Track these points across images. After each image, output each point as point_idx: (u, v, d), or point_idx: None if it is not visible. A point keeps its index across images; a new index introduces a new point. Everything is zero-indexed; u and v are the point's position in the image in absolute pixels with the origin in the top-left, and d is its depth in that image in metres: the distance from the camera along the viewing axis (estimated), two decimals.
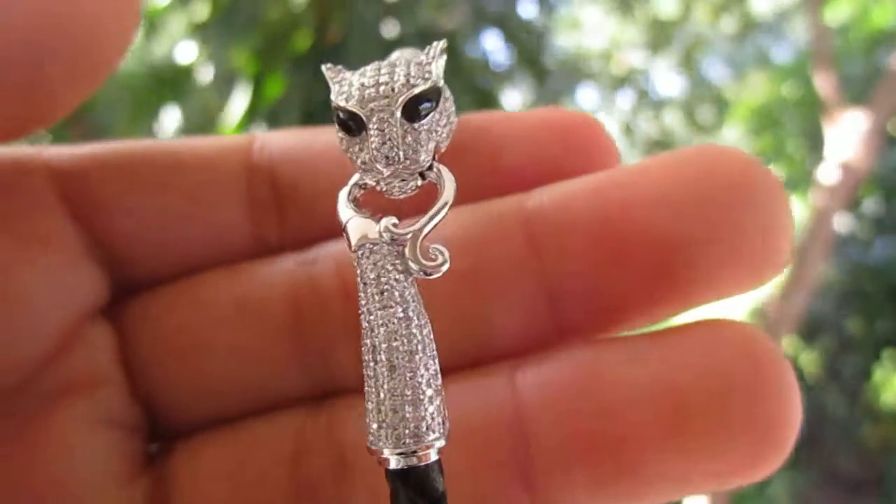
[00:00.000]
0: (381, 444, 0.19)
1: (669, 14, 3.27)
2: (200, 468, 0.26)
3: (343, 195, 0.22)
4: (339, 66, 0.23)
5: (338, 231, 0.23)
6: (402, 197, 0.22)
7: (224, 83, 1.20)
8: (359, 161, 0.21)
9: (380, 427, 0.19)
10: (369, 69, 0.22)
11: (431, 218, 0.20)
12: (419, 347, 0.20)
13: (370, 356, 0.20)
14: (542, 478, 0.21)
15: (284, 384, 0.26)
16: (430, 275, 0.20)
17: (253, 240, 0.27)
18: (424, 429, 0.19)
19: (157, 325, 0.26)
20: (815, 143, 2.60)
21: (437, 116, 0.21)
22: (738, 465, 0.20)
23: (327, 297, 0.25)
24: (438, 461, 0.19)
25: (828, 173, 1.88)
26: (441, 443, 0.20)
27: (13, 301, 0.23)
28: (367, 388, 0.20)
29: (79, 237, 0.25)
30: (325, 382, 0.25)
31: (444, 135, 0.22)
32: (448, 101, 0.22)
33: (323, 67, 0.22)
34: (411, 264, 0.20)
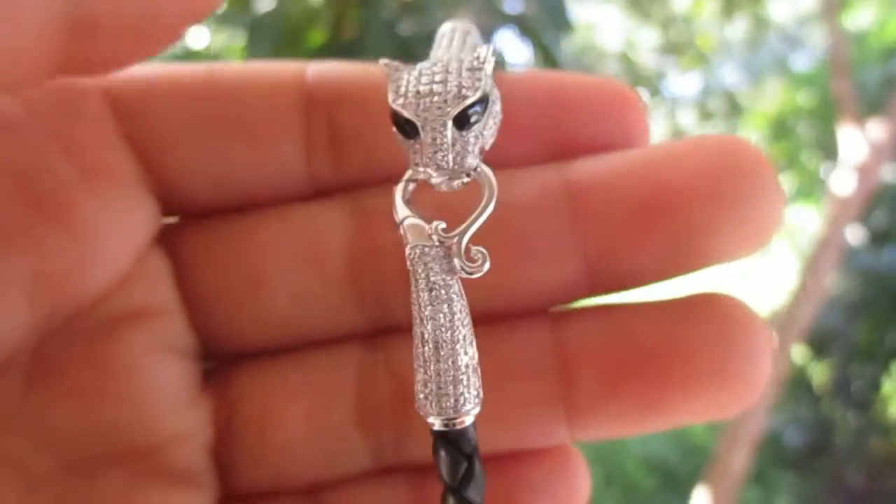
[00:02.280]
0: (426, 410, 0.24)
1: (683, 12, 3.25)
2: (264, 392, 0.27)
3: (399, 192, 0.24)
4: (396, 64, 0.24)
5: (390, 175, 0.25)
6: (449, 191, 0.24)
7: None
8: (412, 161, 0.23)
9: (426, 398, 0.23)
10: (424, 73, 0.24)
11: (474, 222, 0.23)
12: (460, 337, 0.23)
13: (419, 341, 0.23)
14: (581, 411, 0.25)
15: (341, 324, 0.27)
16: (472, 275, 0.23)
17: (308, 178, 0.27)
18: (462, 402, 0.23)
19: (214, 261, 0.27)
20: (829, 153, 2.57)
21: (484, 121, 0.23)
22: (727, 401, 0.24)
23: (383, 248, 0.26)
24: (473, 424, 0.24)
25: (841, 183, 1.86)
26: (476, 410, 0.24)
27: (78, 232, 0.24)
28: (416, 366, 0.24)
29: (136, 167, 0.25)
30: (380, 322, 0.27)
31: (489, 136, 0.24)
32: (495, 104, 0.24)
33: (381, 63, 0.24)
34: (456, 265, 0.23)
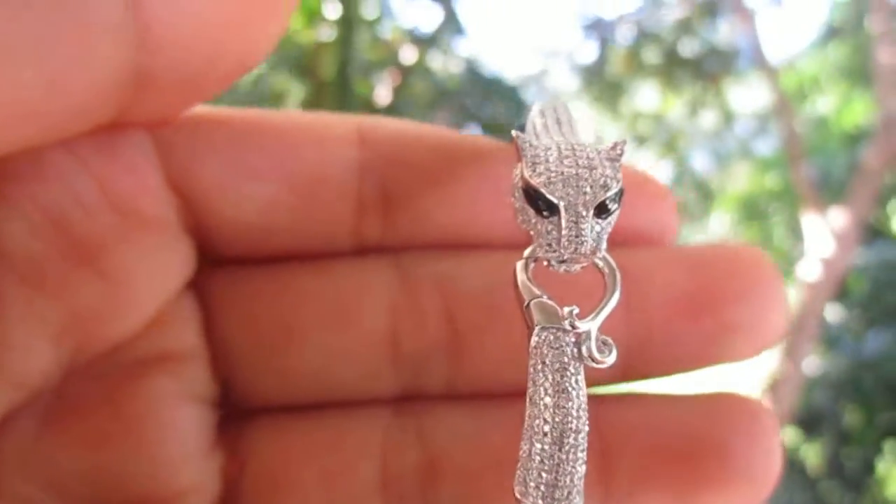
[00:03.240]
0: (530, 499, 0.23)
1: (650, 108, 3.41)
2: (281, 449, 0.26)
3: (521, 268, 0.24)
4: (529, 138, 0.24)
5: (437, 241, 0.26)
6: (565, 274, 0.24)
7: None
8: (543, 241, 0.23)
9: (537, 487, 0.23)
10: (565, 155, 0.24)
11: (605, 307, 0.23)
12: (583, 426, 0.23)
13: (540, 423, 0.23)
14: (616, 496, 0.25)
15: (373, 387, 0.26)
16: (598, 365, 0.23)
17: (354, 237, 0.26)
18: (574, 494, 0.23)
19: (246, 308, 0.26)
20: (798, 235, 2.64)
21: (617, 213, 0.24)
22: (746, 496, 0.25)
23: (426, 313, 0.25)
24: None
25: (809, 269, 1.91)
26: (579, 502, 0.23)
27: (112, 278, 0.23)
28: (529, 446, 0.23)
29: (177, 212, 0.24)
30: (413, 391, 0.26)
31: (613, 224, 0.24)
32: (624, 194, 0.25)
33: (514, 133, 0.24)
34: (585, 355, 0.23)
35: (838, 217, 1.88)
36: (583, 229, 0.23)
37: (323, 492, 0.25)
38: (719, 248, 0.27)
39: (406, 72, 1.82)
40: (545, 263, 0.24)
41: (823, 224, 1.88)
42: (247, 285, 0.26)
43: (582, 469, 0.23)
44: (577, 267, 0.23)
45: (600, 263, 0.24)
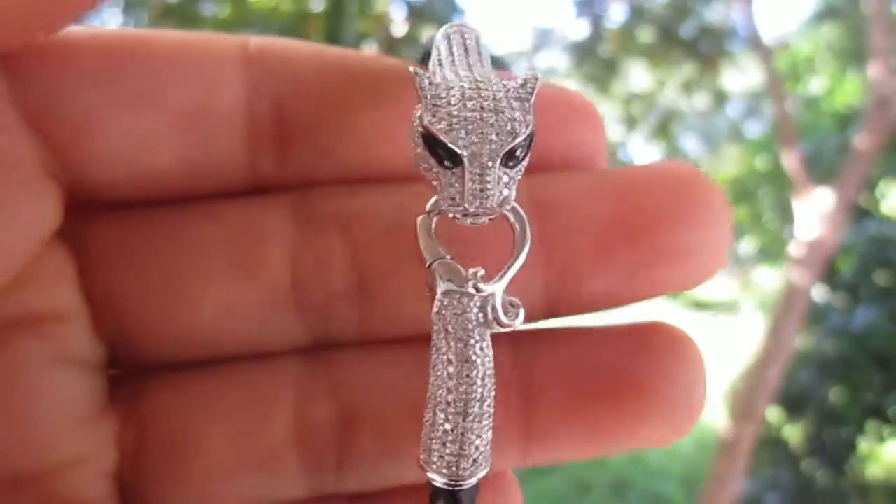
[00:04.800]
0: (434, 467, 0.22)
1: (643, 89, 3.39)
2: (184, 409, 0.24)
3: (424, 226, 0.22)
4: (427, 74, 0.21)
5: (341, 175, 0.24)
6: (471, 226, 0.22)
7: None
8: (446, 194, 0.21)
9: (441, 458, 0.22)
10: (469, 97, 0.21)
11: (512, 267, 0.22)
12: (488, 394, 0.22)
13: (444, 394, 0.21)
14: (538, 434, 0.24)
15: (278, 340, 0.24)
16: (504, 329, 0.22)
17: (248, 172, 0.24)
18: (480, 462, 0.22)
19: (130, 259, 0.23)
20: (788, 216, 2.65)
21: (528, 156, 0.22)
22: (672, 428, 0.24)
23: (330, 259, 0.24)
24: (477, 483, 0.22)
25: (798, 248, 1.91)
26: (484, 472, 0.22)
27: None
28: (432, 416, 0.22)
29: (35, 148, 0.21)
30: (322, 338, 0.24)
31: (523, 171, 0.22)
32: (534, 138, 0.22)
33: (411, 70, 0.21)
34: (491, 319, 0.22)
35: (828, 198, 1.88)
36: (488, 182, 0.21)
37: (233, 452, 0.23)
38: (652, 167, 0.25)
39: (396, 44, 1.80)
40: (450, 216, 0.22)
41: (813, 205, 1.89)
42: (130, 233, 0.23)
43: (488, 434, 0.22)
44: (485, 219, 0.22)
45: (511, 217, 0.22)
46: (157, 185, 0.23)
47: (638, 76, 3.41)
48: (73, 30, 0.22)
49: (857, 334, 2.71)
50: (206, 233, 0.23)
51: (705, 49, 2.94)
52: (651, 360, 0.24)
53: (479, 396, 0.21)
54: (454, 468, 0.22)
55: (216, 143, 0.23)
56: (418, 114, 0.21)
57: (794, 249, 1.94)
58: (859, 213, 2.70)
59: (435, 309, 0.22)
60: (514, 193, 0.21)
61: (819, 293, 2.76)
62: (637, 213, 0.24)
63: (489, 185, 0.21)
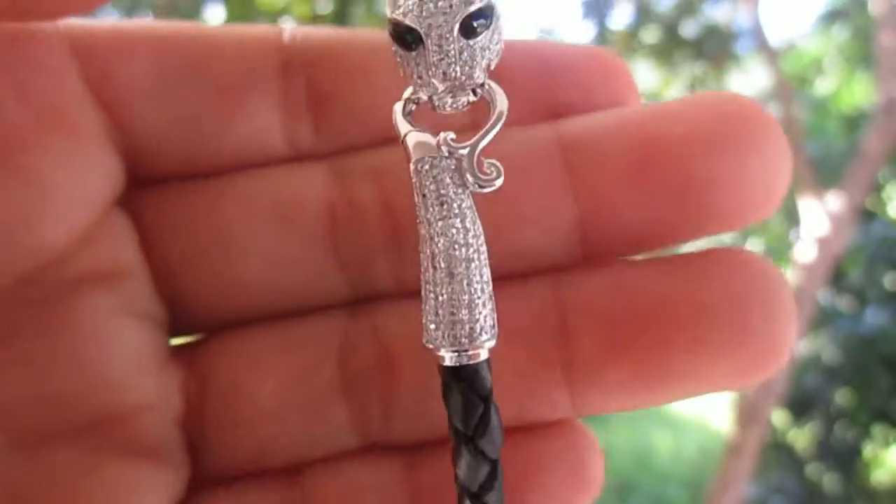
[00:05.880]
0: (437, 342, 0.22)
1: (649, 90, 3.39)
2: (238, 361, 0.25)
3: (398, 108, 0.23)
4: None
5: (373, 139, 0.25)
6: (452, 112, 0.23)
7: None
8: (414, 75, 0.22)
9: (437, 328, 0.21)
10: None
11: (487, 132, 0.22)
12: (475, 255, 0.21)
13: (429, 263, 0.22)
14: (582, 377, 0.23)
15: (322, 290, 0.25)
16: (485, 188, 0.22)
17: (285, 142, 0.25)
18: (478, 330, 0.21)
19: (181, 224, 0.25)
20: (794, 218, 2.64)
21: (490, 34, 0.22)
22: (749, 364, 0.22)
23: (364, 208, 0.25)
24: (488, 360, 0.22)
25: (805, 252, 1.90)
26: (492, 343, 0.22)
27: (31, 180, 0.22)
28: (425, 292, 0.22)
29: (100, 118, 0.24)
30: (363, 290, 0.25)
31: (495, 52, 0.23)
32: (500, 20, 0.23)
33: None
34: (468, 177, 0.22)
35: (835, 200, 1.87)
36: (448, 51, 0.21)
37: (282, 401, 0.25)
38: (686, 98, 0.24)
39: None
40: (431, 107, 0.22)
41: (820, 207, 1.88)
42: (182, 200, 0.25)
43: (487, 307, 0.22)
44: (463, 100, 0.22)
45: (484, 92, 0.22)
46: (205, 158, 0.25)
47: (643, 77, 3.41)
48: (126, 20, 0.25)
49: (864, 337, 2.70)
50: (246, 191, 0.25)
51: (711, 50, 2.93)
52: (715, 283, 0.22)
53: (463, 256, 0.21)
54: (451, 336, 0.21)
55: (255, 115, 0.25)
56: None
57: (801, 252, 1.93)
58: (867, 215, 2.68)
59: (411, 174, 0.22)
60: (480, 70, 0.22)
61: (826, 296, 2.74)
62: (673, 138, 0.22)
63: (450, 54, 0.21)
